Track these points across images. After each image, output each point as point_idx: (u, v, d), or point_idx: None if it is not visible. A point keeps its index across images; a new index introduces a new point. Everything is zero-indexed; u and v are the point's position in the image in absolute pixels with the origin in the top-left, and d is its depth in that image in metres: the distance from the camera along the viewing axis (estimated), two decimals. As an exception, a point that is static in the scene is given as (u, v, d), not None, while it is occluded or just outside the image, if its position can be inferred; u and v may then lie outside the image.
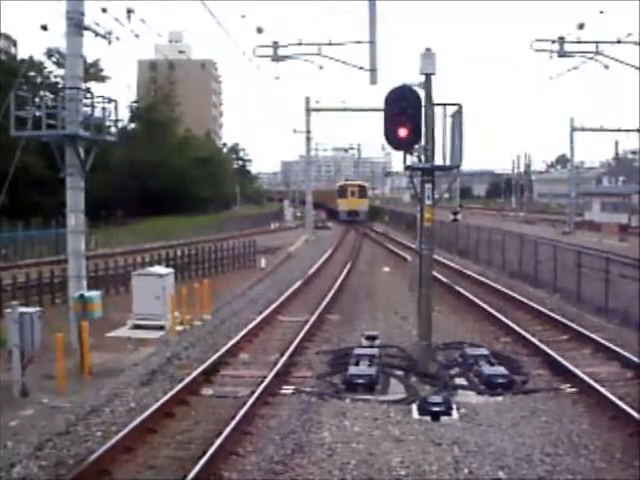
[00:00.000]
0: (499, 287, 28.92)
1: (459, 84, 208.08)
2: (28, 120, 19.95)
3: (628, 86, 72.60)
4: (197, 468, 9.86)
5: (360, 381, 14.63)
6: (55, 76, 70.39)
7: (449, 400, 13.23)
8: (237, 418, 12.04)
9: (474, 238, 43.79)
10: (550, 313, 22.60)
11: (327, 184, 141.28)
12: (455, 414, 12.79)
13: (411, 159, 15.79)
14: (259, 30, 34.00)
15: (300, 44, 35.75)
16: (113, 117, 22.85)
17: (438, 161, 15.65)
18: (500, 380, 14.80)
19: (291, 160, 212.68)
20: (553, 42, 35.78)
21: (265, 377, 14.87)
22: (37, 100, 21.81)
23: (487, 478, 10.02)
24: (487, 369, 15.42)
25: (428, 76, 15.66)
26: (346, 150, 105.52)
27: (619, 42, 34.81)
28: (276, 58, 35.86)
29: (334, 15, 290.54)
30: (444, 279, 29.96)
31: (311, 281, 32.38)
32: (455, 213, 60.57)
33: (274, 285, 31.66)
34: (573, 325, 20.49)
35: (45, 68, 72.28)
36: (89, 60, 66.50)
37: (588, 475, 10.15)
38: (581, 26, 34.63)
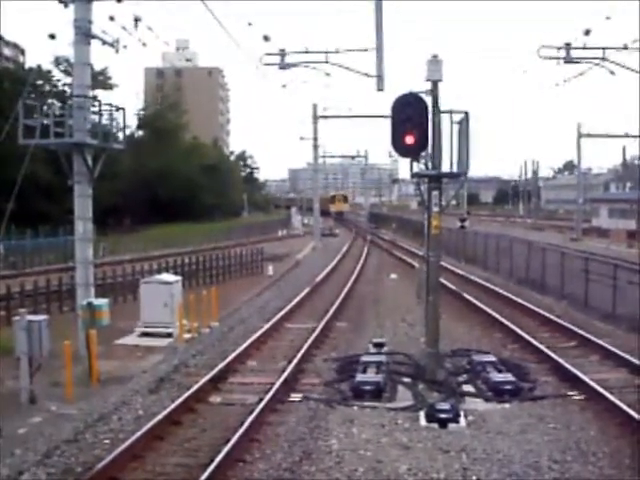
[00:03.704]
0: (506, 294, 28.85)
1: (466, 90, 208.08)
2: (36, 128, 20.01)
3: (635, 92, 72.66)
4: (205, 475, 9.88)
5: (368, 388, 14.63)
6: (63, 84, 70.78)
7: (457, 407, 13.22)
8: (245, 425, 12.05)
9: (481, 245, 43.73)
10: (557, 319, 22.56)
11: (334, 191, 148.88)
12: (463, 421, 12.79)
13: (418, 166, 15.78)
14: (266, 38, 34.04)
15: (307, 52, 35.84)
16: (120, 125, 22.95)
17: (445, 168, 15.64)
18: (507, 387, 14.77)
19: (299, 167, 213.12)
20: (559, 49, 35.71)
21: (273, 384, 14.88)
22: (45, 108, 21.85)
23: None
24: (494, 376, 15.38)
25: (435, 83, 15.66)
26: (353, 157, 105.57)
27: (625, 48, 34.74)
28: (283, 66, 35.94)
29: (340, 22, 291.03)
30: (452, 286, 29.91)
31: (319, 288, 32.36)
32: (463, 220, 60.61)
33: (282, 292, 31.69)
34: (581, 331, 20.42)
35: (53, 76, 72.69)
36: (97, 68, 66.70)
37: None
38: (587, 32, 34.59)
